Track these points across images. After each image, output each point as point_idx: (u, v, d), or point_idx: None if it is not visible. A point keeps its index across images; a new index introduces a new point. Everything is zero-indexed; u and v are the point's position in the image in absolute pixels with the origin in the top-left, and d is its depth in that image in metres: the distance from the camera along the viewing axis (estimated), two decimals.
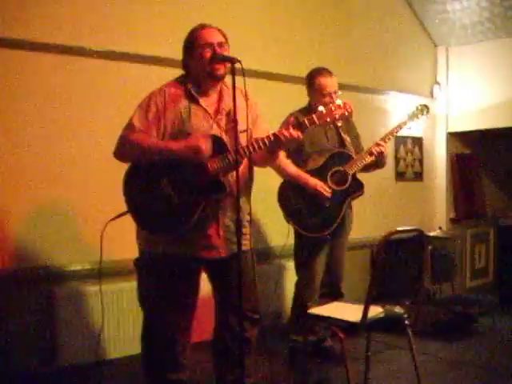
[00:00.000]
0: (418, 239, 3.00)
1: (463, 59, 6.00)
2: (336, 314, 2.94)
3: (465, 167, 6.30)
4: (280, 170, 3.43)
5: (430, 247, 4.89)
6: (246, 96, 2.44)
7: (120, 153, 2.52)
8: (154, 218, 2.48)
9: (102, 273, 2.84)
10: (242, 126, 2.42)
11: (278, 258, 4.46)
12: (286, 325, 4.04)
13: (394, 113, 5.55)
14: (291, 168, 3.47)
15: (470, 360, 3.77)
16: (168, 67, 3.55)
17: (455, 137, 6.23)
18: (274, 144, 2.46)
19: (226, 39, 2.54)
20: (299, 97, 3.72)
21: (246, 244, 2.57)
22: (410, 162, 5.90)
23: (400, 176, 5.81)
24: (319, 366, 3.54)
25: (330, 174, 3.49)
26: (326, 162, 3.51)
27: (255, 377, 2.74)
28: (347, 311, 2.95)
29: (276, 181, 3.53)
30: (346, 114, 2.56)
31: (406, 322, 2.92)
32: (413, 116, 3.72)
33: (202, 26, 2.54)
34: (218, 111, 2.56)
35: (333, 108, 2.52)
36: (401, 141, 5.72)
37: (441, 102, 6.11)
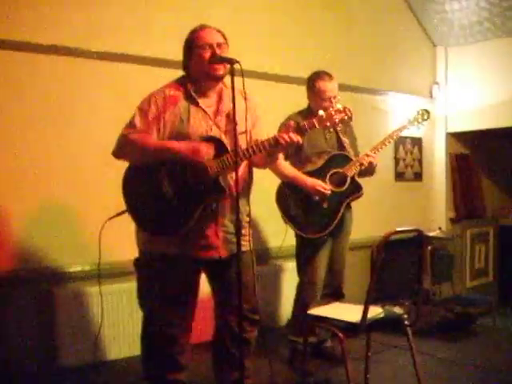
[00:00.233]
0: (418, 239, 3.00)
1: (462, 59, 6.01)
2: (336, 314, 2.94)
3: (464, 167, 6.31)
4: (278, 172, 3.43)
5: (429, 247, 4.90)
6: (245, 97, 2.45)
7: (120, 152, 2.52)
8: (153, 219, 2.49)
9: (102, 274, 2.84)
10: (241, 127, 2.43)
11: (275, 259, 4.46)
12: (285, 326, 4.04)
13: (392, 113, 5.56)
14: (289, 170, 3.47)
15: (470, 360, 3.77)
16: (168, 68, 3.56)
17: (454, 137, 6.23)
18: (274, 147, 2.47)
19: (225, 40, 2.54)
20: (298, 98, 3.72)
21: (246, 245, 2.57)
22: (409, 163, 5.90)
23: (399, 176, 5.81)
24: (319, 367, 3.54)
25: (328, 175, 3.49)
26: (324, 163, 3.51)
27: (255, 378, 2.74)
28: (347, 312, 2.95)
29: (274, 182, 3.53)
30: (346, 118, 2.56)
31: (406, 322, 2.92)
32: (413, 121, 3.73)
33: (202, 27, 2.54)
34: (217, 112, 2.56)
35: (333, 112, 2.52)
36: (400, 141, 5.72)
37: (440, 102, 6.11)
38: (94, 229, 2.68)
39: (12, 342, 3.34)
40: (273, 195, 3.54)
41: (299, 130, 2.47)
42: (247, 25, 4.38)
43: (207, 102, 2.55)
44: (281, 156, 3.26)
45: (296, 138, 2.45)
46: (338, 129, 3.57)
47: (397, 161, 5.77)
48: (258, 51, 4.39)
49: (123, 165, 2.55)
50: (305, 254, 3.57)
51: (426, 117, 3.73)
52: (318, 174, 3.48)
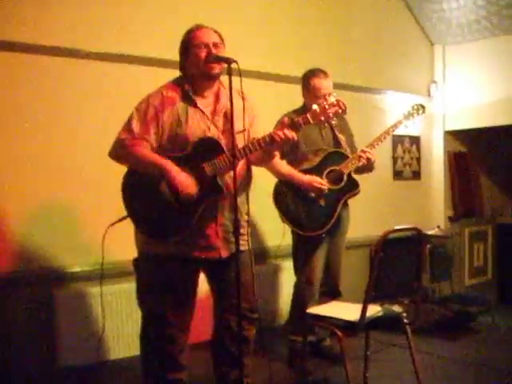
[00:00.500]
0: (416, 238, 3.01)
1: (460, 58, 6.01)
2: (335, 313, 2.95)
3: (462, 165, 6.32)
4: (274, 171, 3.43)
5: (428, 246, 4.91)
6: (242, 96, 2.45)
7: (116, 156, 2.53)
8: (153, 223, 2.49)
9: (103, 275, 2.84)
10: (239, 126, 2.43)
11: (273, 258, 4.47)
12: (283, 325, 4.04)
13: (390, 112, 5.55)
14: (285, 168, 3.47)
15: (469, 358, 3.77)
16: (166, 68, 3.55)
17: (452, 135, 6.24)
18: (270, 144, 2.47)
19: (221, 40, 2.54)
20: (296, 97, 3.72)
21: (244, 244, 2.57)
22: (407, 161, 5.91)
23: (398, 175, 5.81)
24: (318, 366, 3.54)
25: (325, 173, 3.49)
26: (321, 161, 3.51)
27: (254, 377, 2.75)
28: (346, 310, 2.95)
29: (271, 181, 3.53)
30: (340, 111, 2.56)
31: (405, 320, 2.93)
32: (408, 115, 3.73)
33: (198, 27, 2.54)
34: (215, 112, 2.56)
35: (326, 106, 2.52)
36: (398, 140, 5.73)
37: (438, 100, 6.11)
38: (94, 229, 2.69)
39: (13, 342, 3.34)
40: (270, 194, 3.54)
41: (293, 126, 2.47)
42: (244, 24, 4.37)
43: (205, 102, 2.55)
44: (277, 154, 3.27)
45: (291, 134, 2.45)
46: (334, 125, 3.58)
47: (395, 159, 5.77)
48: (255, 51, 4.37)
49: (123, 166, 2.56)
50: (302, 254, 3.58)
51: (421, 111, 3.73)
52: (315, 171, 3.48)
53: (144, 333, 2.64)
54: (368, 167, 3.63)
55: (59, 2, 3.53)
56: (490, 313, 4.73)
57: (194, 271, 2.63)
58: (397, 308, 2.94)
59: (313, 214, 3.46)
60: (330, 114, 2.53)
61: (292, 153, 3.50)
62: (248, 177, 2.63)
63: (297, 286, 3.64)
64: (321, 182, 3.43)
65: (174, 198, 2.43)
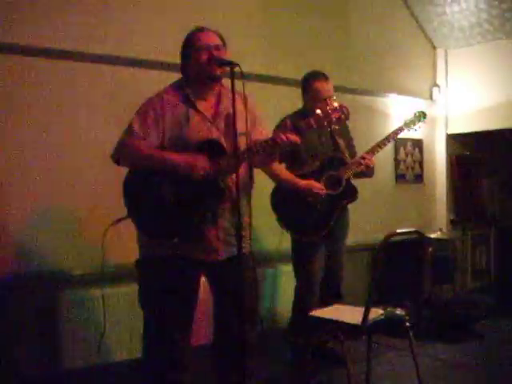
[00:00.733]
0: (419, 241, 3.00)
1: (462, 61, 6.01)
2: (337, 316, 2.95)
3: (465, 169, 6.31)
4: (273, 175, 3.41)
5: (430, 249, 4.89)
6: (244, 99, 2.45)
7: (118, 157, 2.53)
8: (154, 223, 2.48)
9: (104, 277, 2.84)
10: (240, 128, 2.43)
11: (272, 261, 4.46)
12: (284, 328, 4.03)
13: (393, 115, 5.56)
14: (284, 172, 3.44)
15: (471, 362, 3.77)
16: (167, 71, 3.55)
17: (455, 139, 6.23)
18: (272, 147, 2.47)
19: (223, 42, 2.54)
20: (295, 100, 3.72)
21: (246, 246, 2.56)
22: (410, 164, 5.90)
23: (400, 178, 5.81)
24: (320, 369, 3.54)
25: (323, 178, 3.48)
26: (320, 166, 3.51)
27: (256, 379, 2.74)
28: (348, 313, 2.95)
29: (269, 184, 3.52)
30: (343, 116, 2.55)
31: (407, 323, 2.92)
32: (410, 123, 3.74)
33: (199, 29, 2.54)
34: (216, 114, 2.56)
35: (330, 111, 2.52)
36: (401, 143, 5.72)
37: (440, 104, 6.11)
38: (96, 232, 2.69)
39: (15, 345, 3.34)
40: (269, 198, 3.54)
41: (297, 130, 2.47)
42: (244, 27, 4.37)
43: (206, 105, 2.55)
44: (277, 157, 3.26)
45: (293, 137, 2.45)
46: (333, 130, 3.57)
47: (397, 163, 5.76)
48: (255, 53, 4.38)
49: (124, 167, 2.56)
50: (300, 258, 3.57)
51: (422, 119, 3.74)
52: (313, 176, 3.47)
53: (145, 333, 2.64)
54: (367, 173, 3.63)
55: (58, 6, 3.54)
56: (493, 316, 4.71)
57: (196, 273, 2.62)
58: (399, 311, 2.94)
59: (310, 219, 3.46)
60: (334, 119, 2.53)
61: (291, 157, 3.49)
62: (250, 180, 2.64)
63: (297, 290, 3.64)
64: (319, 187, 3.42)
65: (176, 198, 2.43)
